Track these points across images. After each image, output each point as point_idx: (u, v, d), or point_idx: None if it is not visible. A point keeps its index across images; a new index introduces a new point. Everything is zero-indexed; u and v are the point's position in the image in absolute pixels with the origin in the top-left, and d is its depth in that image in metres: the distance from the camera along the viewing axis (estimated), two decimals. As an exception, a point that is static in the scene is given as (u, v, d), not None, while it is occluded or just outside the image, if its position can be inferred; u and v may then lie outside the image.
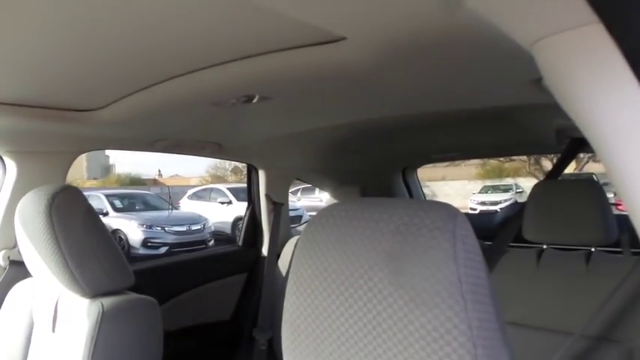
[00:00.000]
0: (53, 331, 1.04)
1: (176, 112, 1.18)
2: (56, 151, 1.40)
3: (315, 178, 2.55)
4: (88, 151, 1.54)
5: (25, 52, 0.79)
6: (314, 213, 0.61)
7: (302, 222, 6.76)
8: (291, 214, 2.57)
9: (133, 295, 1.03)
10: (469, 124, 1.61)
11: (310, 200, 11.36)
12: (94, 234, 1.02)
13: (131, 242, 8.24)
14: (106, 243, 1.03)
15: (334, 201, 2.25)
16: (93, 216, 1.04)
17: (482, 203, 14.26)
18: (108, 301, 0.96)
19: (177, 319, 1.85)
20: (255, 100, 1.07)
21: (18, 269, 1.26)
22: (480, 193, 15.98)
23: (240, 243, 2.24)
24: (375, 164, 2.44)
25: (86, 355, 0.89)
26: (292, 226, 2.44)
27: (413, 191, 2.83)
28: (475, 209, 13.59)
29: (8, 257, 1.33)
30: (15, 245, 1.26)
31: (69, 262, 0.95)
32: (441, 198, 10.77)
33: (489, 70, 0.88)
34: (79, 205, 1.02)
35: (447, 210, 0.45)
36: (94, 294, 0.98)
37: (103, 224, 1.06)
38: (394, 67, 0.84)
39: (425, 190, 3.23)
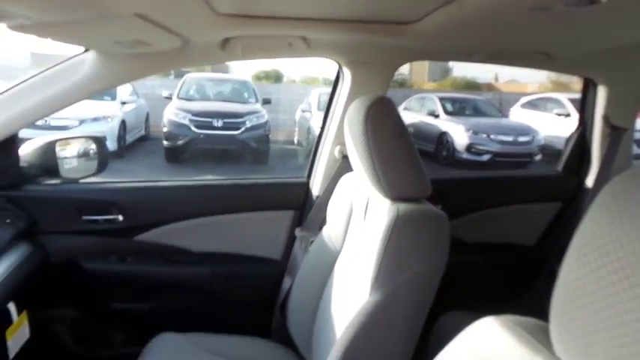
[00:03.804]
0: (364, 219, 1.25)
1: (493, 20, 1.07)
2: (381, 62, 1.56)
3: None
4: (407, 62, 1.63)
5: None
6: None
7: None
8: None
9: (427, 206, 1.09)
10: None
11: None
12: (400, 143, 1.11)
13: (456, 146, 8.58)
14: (409, 153, 1.11)
15: None
16: (401, 126, 1.12)
17: None
18: (403, 207, 1.06)
19: (477, 233, 1.87)
20: (603, 0, 0.84)
21: (348, 163, 1.53)
22: None
23: (559, 168, 1.98)
24: None
25: (380, 249, 1.03)
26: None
27: None
28: None
29: (342, 152, 1.64)
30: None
31: (377, 166, 1.08)
32: None
33: None
34: (390, 115, 1.12)
35: None
36: (393, 197, 1.10)
37: (408, 135, 1.13)
38: None
39: None
